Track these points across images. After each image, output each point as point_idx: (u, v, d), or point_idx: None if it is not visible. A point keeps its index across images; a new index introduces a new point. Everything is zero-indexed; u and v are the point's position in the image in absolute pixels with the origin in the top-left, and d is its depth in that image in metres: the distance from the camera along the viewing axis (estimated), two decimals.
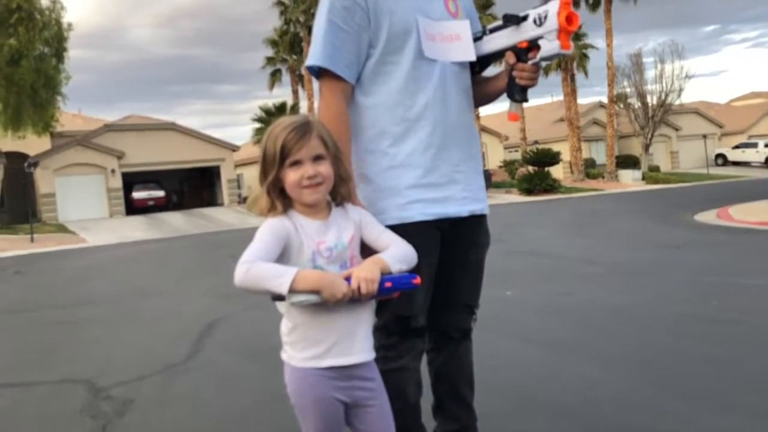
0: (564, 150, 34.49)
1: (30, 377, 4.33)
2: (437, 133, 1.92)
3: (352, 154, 1.88)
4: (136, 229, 24.70)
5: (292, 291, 1.49)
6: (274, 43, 36.54)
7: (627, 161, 37.98)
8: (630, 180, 33.44)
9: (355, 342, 1.63)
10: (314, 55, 1.87)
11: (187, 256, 14.02)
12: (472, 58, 1.99)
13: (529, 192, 28.61)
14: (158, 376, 4.05)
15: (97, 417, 3.30)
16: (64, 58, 26.19)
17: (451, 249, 1.97)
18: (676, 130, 43.01)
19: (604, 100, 37.51)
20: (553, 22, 1.79)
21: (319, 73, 1.89)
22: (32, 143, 27.87)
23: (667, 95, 37.47)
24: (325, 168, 1.62)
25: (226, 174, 34.00)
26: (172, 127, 33.11)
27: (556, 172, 32.85)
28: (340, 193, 1.69)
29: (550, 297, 5.71)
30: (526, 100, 1.95)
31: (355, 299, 1.55)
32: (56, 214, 28.69)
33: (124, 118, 34.23)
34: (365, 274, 1.54)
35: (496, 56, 2.00)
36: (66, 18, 26.18)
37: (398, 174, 1.90)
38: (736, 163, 41.78)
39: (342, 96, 1.88)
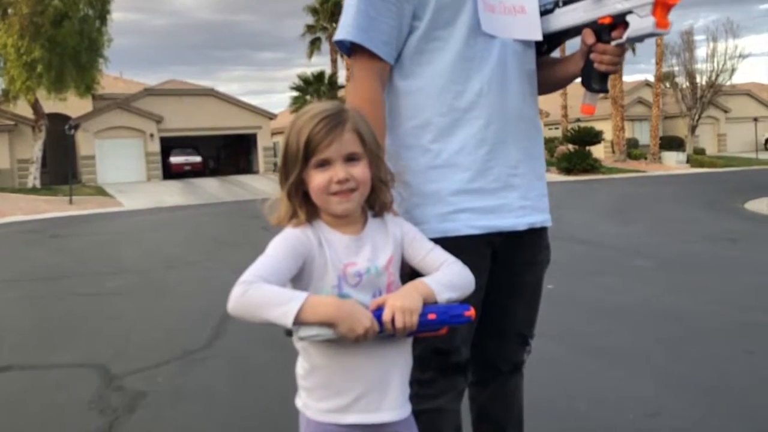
0: (606, 129, 33.39)
1: (45, 359, 4.16)
2: (492, 126, 1.56)
3: (386, 149, 1.54)
4: (172, 194, 24.79)
5: (300, 322, 1.16)
6: (314, 11, 35.99)
7: (671, 143, 36.67)
8: (674, 162, 32.27)
9: (387, 394, 1.30)
10: (345, 27, 1.53)
11: (219, 225, 13.90)
12: (539, 37, 1.61)
13: (568, 171, 27.81)
14: (175, 364, 3.85)
15: (105, 412, 3.09)
16: (107, 20, 26.16)
17: (503, 269, 1.62)
18: (726, 112, 41.34)
19: (650, 78, 36.19)
20: None
21: (352, 49, 1.55)
22: (73, 105, 28.03)
23: (718, 75, 35.93)
24: (360, 170, 1.28)
25: (263, 142, 33.94)
26: (210, 93, 33.08)
27: (597, 151, 31.85)
28: (379, 200, 1.35)
29: (597, 293, 5.32)
30: (606, 90, 1.56)
31: (388, 336, 1.22)
32: (95, 176, 29.03)
33: (163, 83, 34.25)
34: (402, 303, 1.20)
35: (570, 34, 1.61)
36: None
37: (441, 176, 1.55)
38: None
39: (377, 78, 1.54)
